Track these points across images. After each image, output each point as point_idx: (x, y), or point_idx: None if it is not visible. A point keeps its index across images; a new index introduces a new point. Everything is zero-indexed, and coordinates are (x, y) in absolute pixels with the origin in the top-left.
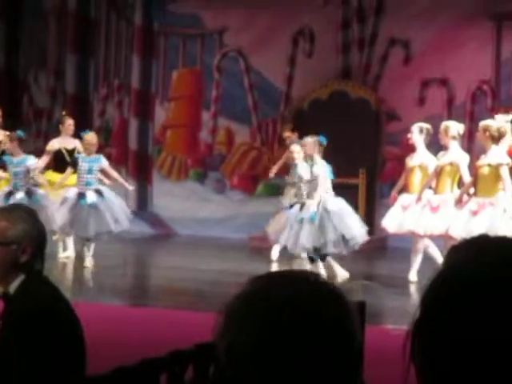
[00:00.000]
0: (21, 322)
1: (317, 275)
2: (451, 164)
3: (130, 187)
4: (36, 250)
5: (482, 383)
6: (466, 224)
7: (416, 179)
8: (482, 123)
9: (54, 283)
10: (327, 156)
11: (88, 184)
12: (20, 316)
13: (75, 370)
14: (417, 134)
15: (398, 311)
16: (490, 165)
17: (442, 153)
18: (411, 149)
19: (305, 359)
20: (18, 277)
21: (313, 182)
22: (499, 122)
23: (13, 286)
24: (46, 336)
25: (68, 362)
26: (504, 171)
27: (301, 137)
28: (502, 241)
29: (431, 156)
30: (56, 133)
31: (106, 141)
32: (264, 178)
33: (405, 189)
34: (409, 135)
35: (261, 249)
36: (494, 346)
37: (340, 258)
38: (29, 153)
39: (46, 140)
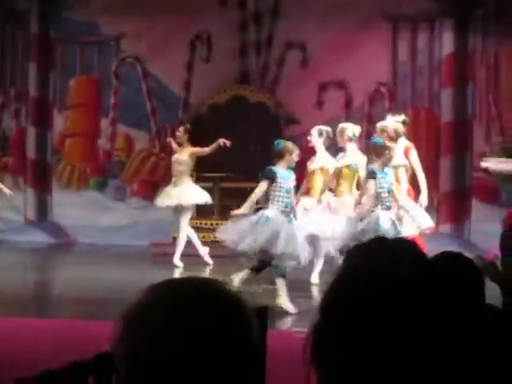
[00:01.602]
0: None
1: (217, 281)
2: (348, 166)
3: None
4: None
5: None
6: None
7: (317, 182)
8: (379, 124)
9: None
10: (225, 160)
11: None
12: None
13: None
14: (316, 137)
15: (301, 314)
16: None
17: (340, 155)
18: (311, 152)
19: (200, 366)
20: None
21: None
22: (391, 122)
23: None
24: None
25: None
26: (401, 173)
27: (196, 138)
28: (397, 241)
29: (331, 158)
30: None
31: (3, 150)
32: (162, 185)
33: (306, 192)
34: (308, 138)
35: (162, 255)
36: (390, 344)
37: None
38: None
39: None
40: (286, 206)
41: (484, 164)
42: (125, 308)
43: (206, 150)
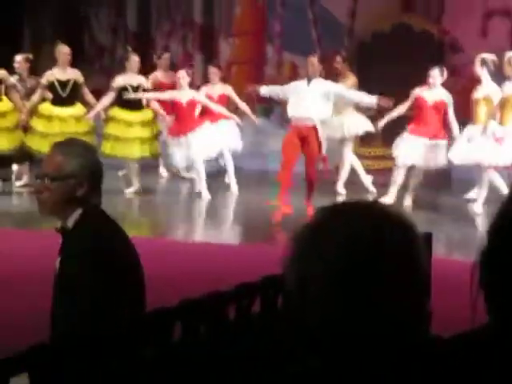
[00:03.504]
0: (80, 253)
1: (384, 206)
2: None
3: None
4: (93, 184)
5: None
6: None
7: (481, 111)
8: None
9: (111, 216)
10: (388, 88)
11: None
12: (79, 247)
13: (133, 302)
14: (481, 66)
15: (464, 242)
16: None
17: (506, 84)
18: (475, 81)
19: (377, 289)
20: (76, 211)
21: None
22: None
23: (71, 220)
24: (105, 269)
25: (126, 295)
26: None
27: (360, 68)
28: None
29: (496, 87)
30: (119, 69)
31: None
32: None
33: (471, 120)
34: (475, 66)
35: (327, 182)
36: None
37: (406, 189)
38: (92, 90)
39: (109, 77)
40: None
41: None
42: (295, 231)
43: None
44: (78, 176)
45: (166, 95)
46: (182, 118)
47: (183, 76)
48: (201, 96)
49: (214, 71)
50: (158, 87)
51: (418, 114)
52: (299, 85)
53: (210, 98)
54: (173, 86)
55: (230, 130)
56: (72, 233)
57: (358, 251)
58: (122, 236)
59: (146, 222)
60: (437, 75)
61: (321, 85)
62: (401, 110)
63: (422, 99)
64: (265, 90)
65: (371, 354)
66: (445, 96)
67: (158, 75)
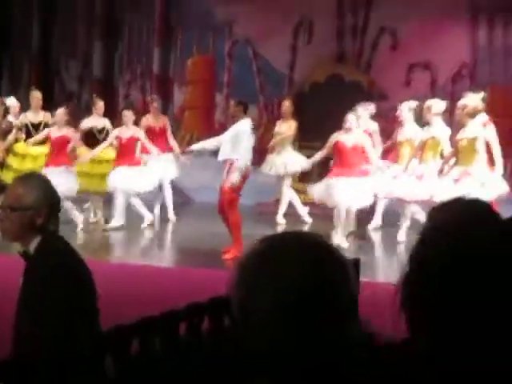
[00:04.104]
0: (42, 276)
1: (318, 235)
2: (433, 138)
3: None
4: (50, 213)
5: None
6: (448, 190)
7: (404, 152)
8: (461, 102)
9: (68, 242)
10: (323, 131)
11: None
12: (41, 271)
13: (90, 318)
14: (405, 112)
15: (389, 267)
16: (467, 138)
17: (426, 128)
18: (400, 124)
19: (321, 317)
20: (36, 237)
21: None
22: (472, 99)
23: (32, 246)
24: (65, 287)
25: (83, 311)
26: (479, 144)
27: (299, 113)
28: (475, 202)
29: (417, 131)
30: (85, 114)
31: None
32: (268, 152)
33: (394, 160)
34: (398, 112)
35: (266, 213)
36: (475, 292)
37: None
38: None
39: (76, 120)
40: None
41: None
42: (240, 259)
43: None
44: (37, 207)
45: (113, 134)
46: (123, 153)
47: (126, 115)
48: (140, 133)
49: (127, 114)
50: (148, 130)
51: (339, 157)
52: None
53: (119, 139)
54: (162, 130)
55: (168, 162)
56: (34, 257)
57: (306, 284)
58: (78, 258)
59: (97, 246)
60: (353, 119)
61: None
62: (322, 154)
63: (342, 143)
64: (196, 147)
65: (316, 373)
66: (363, 138)
67: (149, 119)
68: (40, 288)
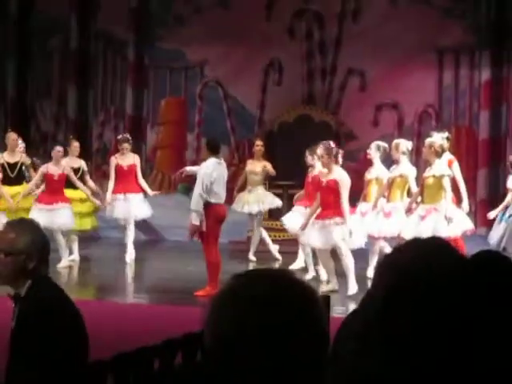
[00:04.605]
0: (35, 320)
1: (290, 273)
2: (401, 176)
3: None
4: (41, 257)
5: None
6: (415, 227)
7: (373, 190)
8: (428, 140)
9: (58, 285)
10: (292, 170)
11: None
12: (32, 314)
13: (80, 357)
14: (374, 151)
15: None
16: (434, 176)
17: (393, 166)
18: (368, 163)
19: (279, 348)
20: (27, 281)
21: None
22: (437, 138)
23: (23, 289)
24: (56, 329)
25: (74, 351)
26: (446, 182)
27: (269, 152)
28: (433, 241)
29: (386, 169)
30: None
31: (104, 159)
32: (239, 191)
33: (363, 198)
34: (368, 151)
35: (238, 251)
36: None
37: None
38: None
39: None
40: None
41: None
42: (212, 296)
43: (272, 172)
44: (29, 251)
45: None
46: (52, 189)
47: (58, 150)
48: (68, 169)
49: (57, 151)
50: (117, 170)
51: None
52: None
53: (50, 175)
54: (131, 169)
55: (137, 201)
56: (25, 300)
57: (259, 315)
58: (68, 301)
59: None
60: (308, 159)
61: None
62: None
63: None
64: (189, 168)
65: None
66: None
67: (118, 159)
68: (34, 332)
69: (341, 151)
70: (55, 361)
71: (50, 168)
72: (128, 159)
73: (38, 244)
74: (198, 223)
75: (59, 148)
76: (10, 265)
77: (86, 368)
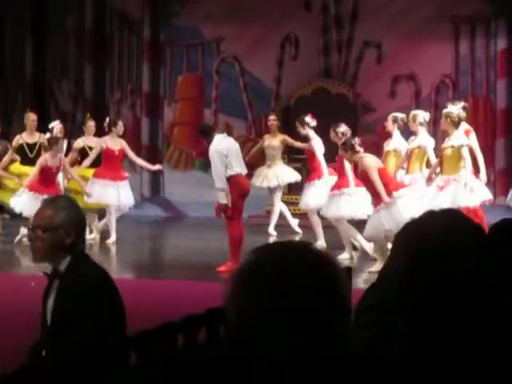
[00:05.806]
0: (76, 295)
1: (310, 244)
2: (419, 147)
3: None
4: (78, 233)
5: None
6: (433, 198)
7: (391, 162)
8: (445, 111)
9: (93, 259)
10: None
11: None
12: (75, 290)
13: (119, 331)
14: (391, 123)
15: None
16: (453, 146)
17: (411, 138)
18: (387, 135)
19: (302, 321)
20: (66, 257)
21: None
22: (454, 109)
23: (63, 265)
24: (98, 306)
25: (114, 325)
26: (465, 151)
27: (285, 126)
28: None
29: (404, 141)
30: (79, 133)
31: (122, 138)
32: (257, 166)
33: None
34: (385, 124)
35: (258, 225)
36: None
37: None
38: None
39: (70, 139)
40: None
41: None
42: (234, 270)
43: (295, 144)
44: (66, 227)
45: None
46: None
47: (121, 126)
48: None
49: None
50: (107, 152)
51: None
52: None
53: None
54: (120, 152)
55: (123, 188)
56: (65, 276)
57: (285, 287)
58: (107, 276)
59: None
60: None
61: None
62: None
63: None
64: None
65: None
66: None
67: (107, 141)
68: (76, 307)
69: (357, 139)
70: (97, 337)
71: (109, 143)
72: (116, 144)
73: (74, 220)
74: (225, 201)
75: (120, 123)
76: (48, 240)
77: (124, 344)
